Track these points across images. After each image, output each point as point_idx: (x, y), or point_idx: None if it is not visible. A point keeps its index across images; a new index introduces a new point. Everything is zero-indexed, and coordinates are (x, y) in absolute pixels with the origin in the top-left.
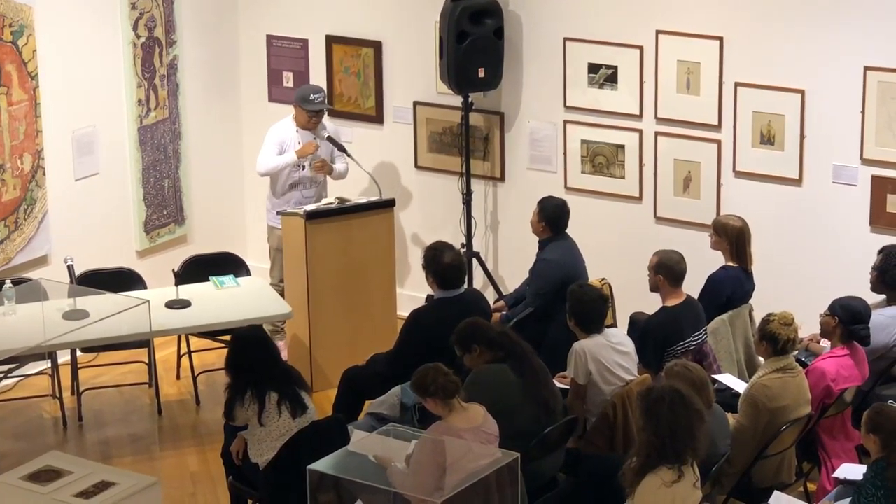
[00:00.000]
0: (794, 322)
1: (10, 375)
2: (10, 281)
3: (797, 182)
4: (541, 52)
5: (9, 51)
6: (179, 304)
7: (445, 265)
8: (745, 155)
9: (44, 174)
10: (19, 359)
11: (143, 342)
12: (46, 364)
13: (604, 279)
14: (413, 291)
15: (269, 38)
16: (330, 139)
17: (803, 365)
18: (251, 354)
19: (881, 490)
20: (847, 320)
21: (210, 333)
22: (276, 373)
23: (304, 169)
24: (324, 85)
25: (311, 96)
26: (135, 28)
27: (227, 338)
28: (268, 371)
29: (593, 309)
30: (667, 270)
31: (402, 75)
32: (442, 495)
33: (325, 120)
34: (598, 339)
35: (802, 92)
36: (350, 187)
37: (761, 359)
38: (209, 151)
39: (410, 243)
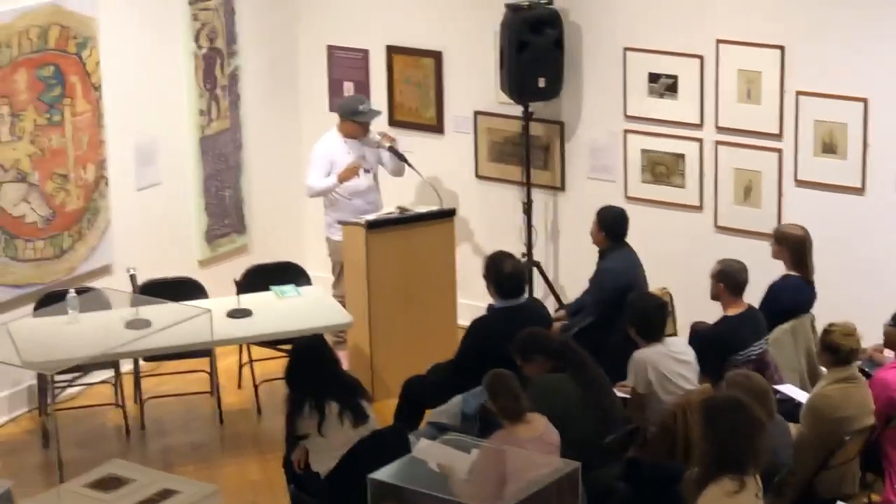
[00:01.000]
0: (855, 332)
1: (74, 384)
2: (73, 290)
3: (860, 191)
4: (601, 61)
5: (73, 62)
6: (241, 314)
7: (506, 274)
8: (807, 164)
9: (106, 184)
10: (83, 367)
11: (205, 351)
12: (110, 373)
13: (664, 288)
14: (473, 301)
15: (330, 48)
16: (392, 150)
17: (867, 375)
18: (311, 364)
19: None
20: None
21: (271, 343)
22: (336, 382)
23: (359, 176)
24: (384, 95)
25: (360, 106)
26: (196, 39)
27: (289, 347)
28: (328, 381)
29: (654, 317)
30: (728, 279)
31: (462, 85)
32: None
33: (372, 128)
34: (659, 348)
35: (865, 100)
36: (410, 197)
37: (823, 369)
38: (270, 161)
39: (471, 253)
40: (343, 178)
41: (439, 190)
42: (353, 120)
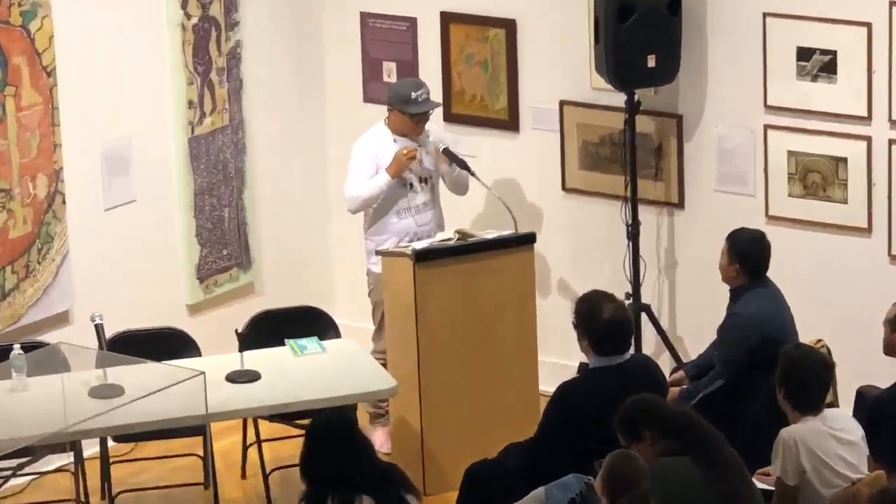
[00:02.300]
0: None
1: (19, 473)
2: (18, 346)
3: None
4: (732, 32)
5: (18, 38)
6: (245, 377)
7: (604, 322)
8: None
9: (63, 202)
10: (33, 450)
11: (197, 428)
12: (69, 458)
13: (820, 340)
14: (560, 359)
15: (365, 16)
16: (447, 153)
17: None
18: (335, 447)
19: None
20: None
21: (286, 416)
22: (370, 472)
23: (412, 187)
24: (437, 79)
25: (413, 94)
26: (184, 6)
27: (309, 422)
28: (359, 470)
29: (812, 379)
30: None
31: (544, 65)
32: None
33: (430, 125)
34: (815, 423)
35: None
36: (474, 217)
37: None
38: (285, 170)
39: (556, 293)
40: (395, 170)
41: (512, 208)
42: (404, 111)
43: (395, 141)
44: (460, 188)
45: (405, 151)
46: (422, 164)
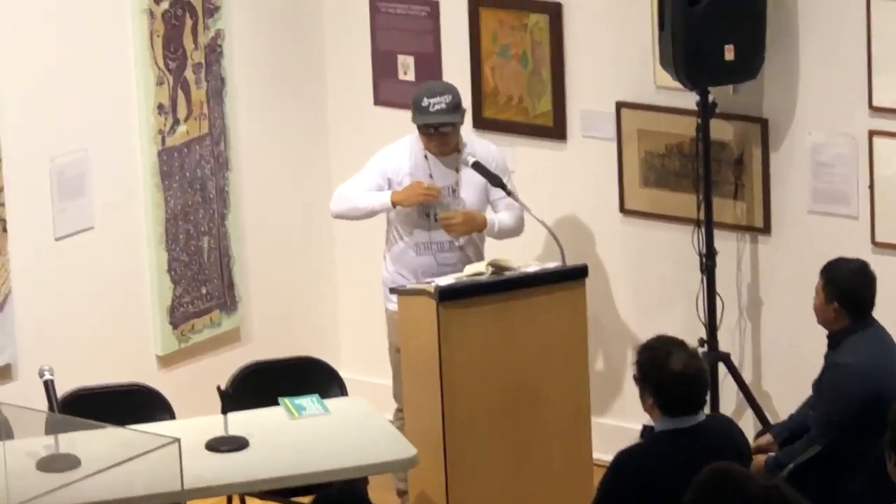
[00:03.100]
0: None
1: None
2: None
3: None
4: (828, 16)
5: None
6: (230, 445)
7: (672, 376)
8: None
9: (4, 230)
10: None
11: None
12: None
13: None
14: (618, 420)
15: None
16: (477, 166)
17: None
18: None
19: None
20: None
21: (281, 493)
22: None
23: (434, 219)
24: (465, 76)
25: (425, 100)
26: None
27: (308, 500)
28: None
29: None
30: None
31: (596, 59)
32: None
33: (472, 136)
34: None
35: None
36: (513, 246)
37: None
38: (277, 189)
39: (614, 339)
40: (401, 199)
41: (559, 234)
42: (416, 123)
43: (425, 157)
44: (508, 235)
45: (425, 187)
46: (453, 195)
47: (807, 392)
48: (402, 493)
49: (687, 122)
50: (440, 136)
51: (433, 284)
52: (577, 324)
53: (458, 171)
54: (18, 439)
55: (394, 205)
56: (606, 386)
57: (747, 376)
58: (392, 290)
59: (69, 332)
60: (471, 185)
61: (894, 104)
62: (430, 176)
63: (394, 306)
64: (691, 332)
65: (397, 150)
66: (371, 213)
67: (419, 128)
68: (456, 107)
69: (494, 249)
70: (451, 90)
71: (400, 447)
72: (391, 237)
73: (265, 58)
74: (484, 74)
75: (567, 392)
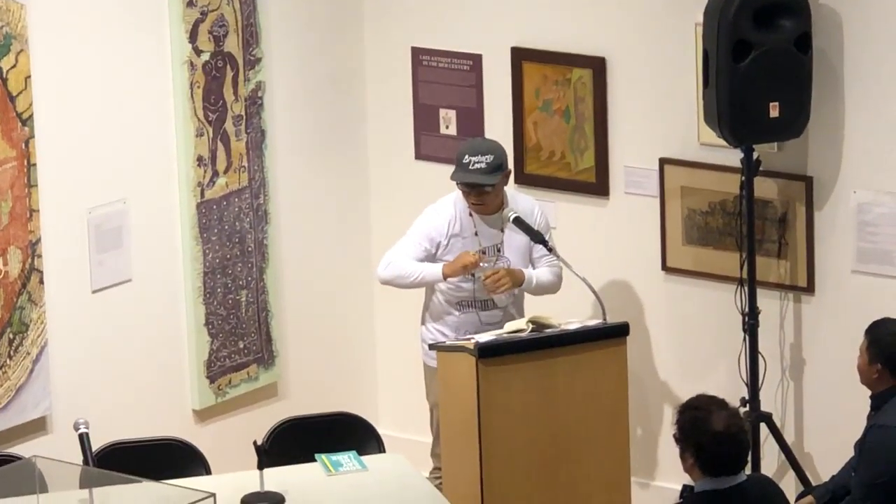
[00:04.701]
0: None
1: None
2: None
3: None
4: (873, 74)
5: None
6: (266, 501)
7: (713, 436)
8: None
9: (41, 282)
10: None
11: None
12: None
13: None
14: (660, 480)
15: (417, 52)
16: (518, 221)
17: None
18: None
19: None
20: None
21: None
22: None
23: (477, 278)
24: (507, 130)
25: (466, 157)
26: (192, 38)
27: None
28: None
29: None
30: None
31: (639, 115)
32: None
33: (516, 193)
34: None
35: None
36: (554, 303)
37: None
38: (317, 243)
39: (655, 398)
40: (451, 272)
41: (600, 292)
42: (454, 179)
43: (470, 215)
44: (546, 291)
45: (473, 258)
46: (498, 254)
47: (849, 453)
48: None
49: (731, 179)
50: (476, 196)
51: (473, 341)
52: (617, 382)
53: (502, 230)
54: (53, 493)
55: (445, 277)
56: (647, 445)
57: (789, 437)
58: (431, 347)
59: (105, 386)
60: (513, 246)
61: None
62: (476, 234)
63: (433, 363)
64: (733, 392)
65: (442, 210)
66: (422, 285)
67: (460, 186)
68: (497, 168)
69: (535, 307)
70: (495, 150)
71: None
72: (432, 295)
73: (306, 110)
74: (526, 129)
75: (607, 451)
